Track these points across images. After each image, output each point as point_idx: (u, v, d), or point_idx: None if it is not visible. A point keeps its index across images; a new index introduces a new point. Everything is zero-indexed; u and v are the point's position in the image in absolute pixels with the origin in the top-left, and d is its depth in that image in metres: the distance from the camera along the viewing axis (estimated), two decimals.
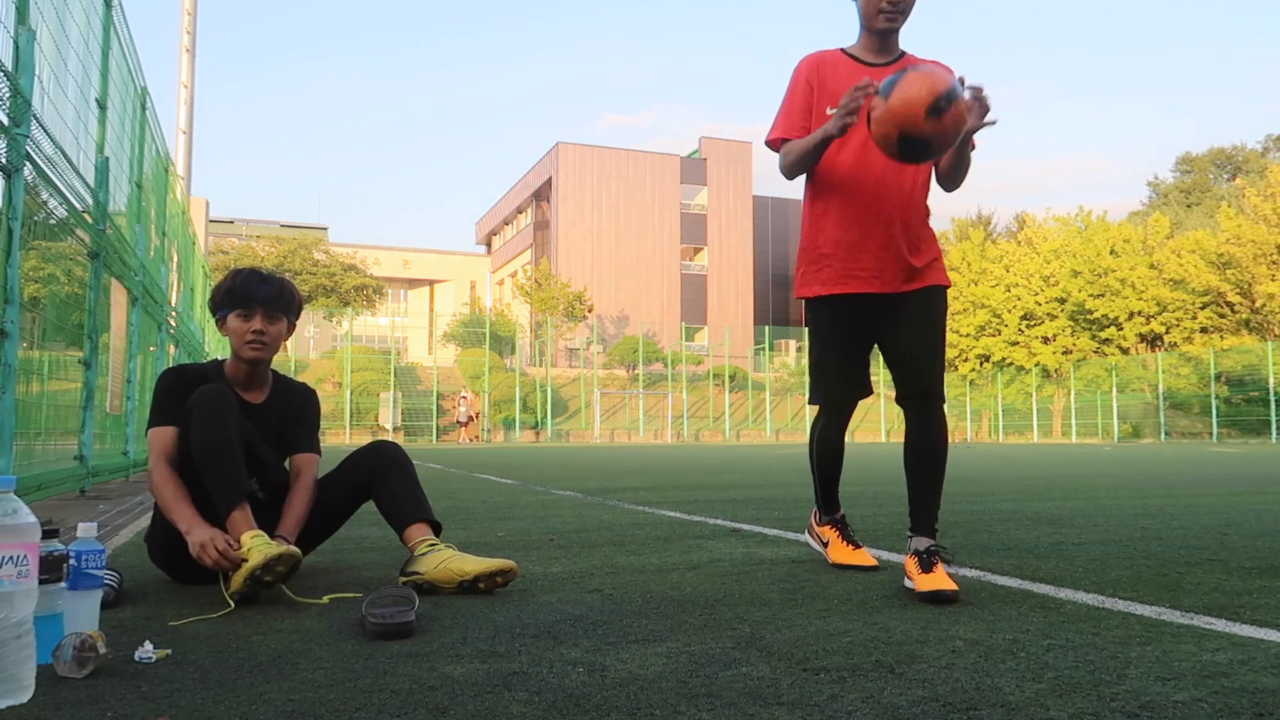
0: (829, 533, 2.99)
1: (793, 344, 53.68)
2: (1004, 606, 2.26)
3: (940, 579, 2.35)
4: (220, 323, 2.68)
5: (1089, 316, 40.19)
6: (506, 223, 63.39)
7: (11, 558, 1.46)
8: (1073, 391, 39.58)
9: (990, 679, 1.60)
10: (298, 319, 2.78)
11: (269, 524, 2.48)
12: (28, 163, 4.34)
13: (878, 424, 41.01)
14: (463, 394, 36.04)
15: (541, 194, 56.54)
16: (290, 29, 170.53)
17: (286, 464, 2.77)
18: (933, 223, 2.78)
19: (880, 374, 3.65)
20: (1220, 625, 2.04)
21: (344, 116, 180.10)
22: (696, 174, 55.02)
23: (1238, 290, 36.47)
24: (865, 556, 2.90)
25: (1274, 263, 35.48)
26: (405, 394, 37.01)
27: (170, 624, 2.06)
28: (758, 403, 43.98)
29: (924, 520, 2.57)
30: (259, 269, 2.73)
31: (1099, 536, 3.75)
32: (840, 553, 2.93)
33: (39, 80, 4.58)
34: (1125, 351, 39.65)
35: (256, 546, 2.26)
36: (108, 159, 6.59)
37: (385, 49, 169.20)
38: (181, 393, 2.55)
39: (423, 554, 2.50)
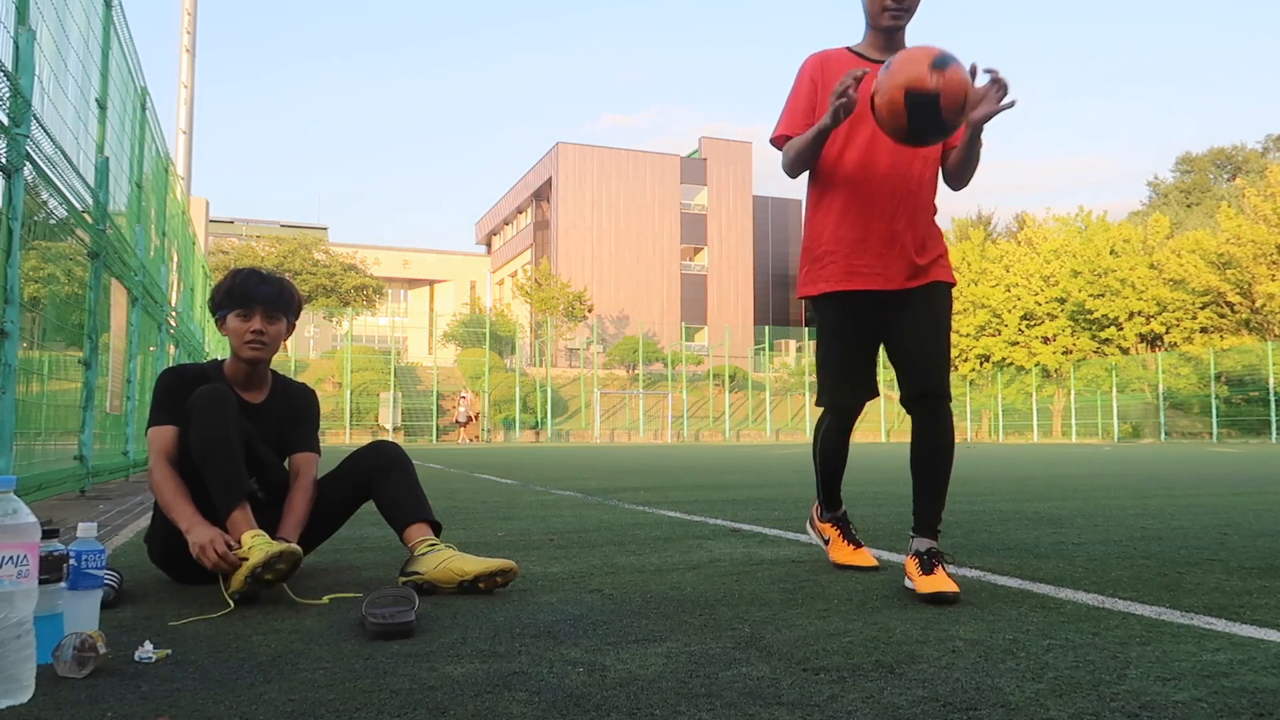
0: (830, 531, 2.98)
1: (793, 344, 53.68)
2: (1004, 606, 2.26)
3: (941, 581, 2.34)
4: (220, 323, 2.68)
5: (1089, 316, 40.19)
6: (506, 223, 63.40)
7: (11, 558, 1.46)
8: (1073, 391, 39.58)
9: (990, 679, 1.60)
10: (297, 319, 2.78)
11: (269, 524, 2.49)
12: (28, 163, 4.34)
13: (878, 424, 41.01)
14: (462, 394, 36.04)
15: (541, 194, 56.55)
16: (290, 29, 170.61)
17: (286, 464, 2.77)
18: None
19: (882, 374, 3.63)
20: (1220, 625, 2.04)
21: (344, 116, 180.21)
22: (696, 174, 55.02)
23: (1238, 290, 36.48)
24: (866, 557, 2.90)
25: (1274, 263, 35.49)
26: (405, 394, 37.02)
27: (170, 624, 2.06)
28: (758, 403, 43.98)
29: (926, 522, 2.56)
30: (258, 269, 2.73)
31: (1099, 536, 3.75)
32: (841, 552, 2.93)
33: (39, 80, 4.58)
34: (1125, 351, 39.66)
35: (257, 545, 2.27)
36: (108, 159, 6.59)
37: (385, 49, 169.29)
38: (181, 392, 2.56)
39: (423, 554, 2.50)
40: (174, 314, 11.55)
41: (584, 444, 30.76)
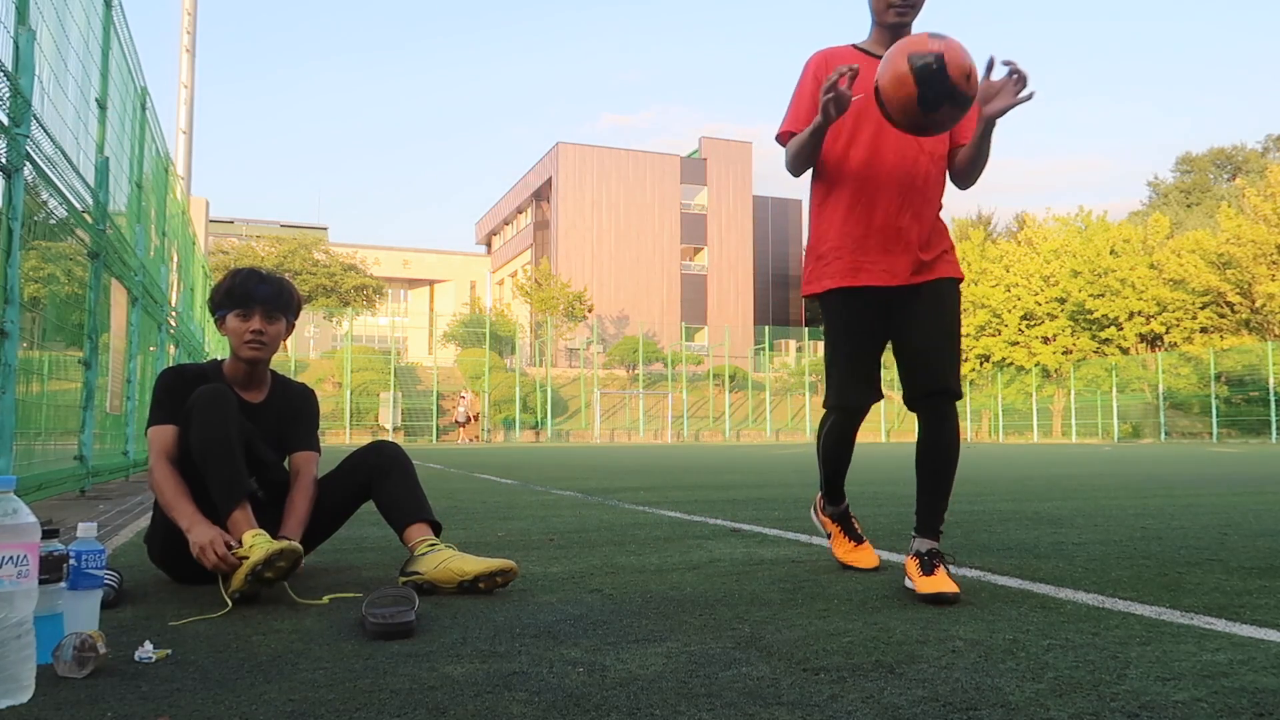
0: (831, 526, 2.97)
1: (792, 344, 53.67)
2: (1004, 606, 2.26)
3: (941, 581, 2.34)
4: (219, 322, 2.68)
5: (1089, 316, 40.20)
6: (506, 223, 63.40)
7: (11, 558, 1.46)
8: (1073, 391, 39.59)
9: (990, 679, 1.60)
10: (296, 319, 2.78)
11: (269, 524, 2.48)
12: (28, 163, 4.34)
13: (878, 424, 41.01)
14: (462, 394, 36.05)
15: (541, 194, 56.55)
16: (290, 29, 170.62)
17: (285, 464, 2.77)
18: None
19: (883, 374, 3.61)
20: (1220, 625, 2.04)
21: (344, 116, 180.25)
22: (696, 174, 55.02)
23: (1238, 290, 36.49)
24: (867, 555, 2.88)
25: (1274, 263, 35.49)
26: (405, 394, 37.02)
27: (170, 624, 2.06)
28: (758, 403, 43.98)
29: (928, 523, 2.54)
30: (258, 269, 2.73)
31: (1099, 536, 3.75)
32: (842, 547, 2.92)
33: (39, 80, 4.58)
34: (1125, 351, 39.67)
35: (258, 544, 2.27)
36: (108, 159, 6.59)
37: (385, 49, 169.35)
38: (181, 392, 2.56)
39: (423, 554, 2.50)
40: (174, 314, 11.55)
41: (584, 444, 30.76)
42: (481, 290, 62.18)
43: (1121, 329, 39.55)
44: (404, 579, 2.47)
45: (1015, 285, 42.33)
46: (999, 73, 2.32)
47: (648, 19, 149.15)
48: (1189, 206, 58.51)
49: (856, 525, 2.97)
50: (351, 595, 2.38)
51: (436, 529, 2.63)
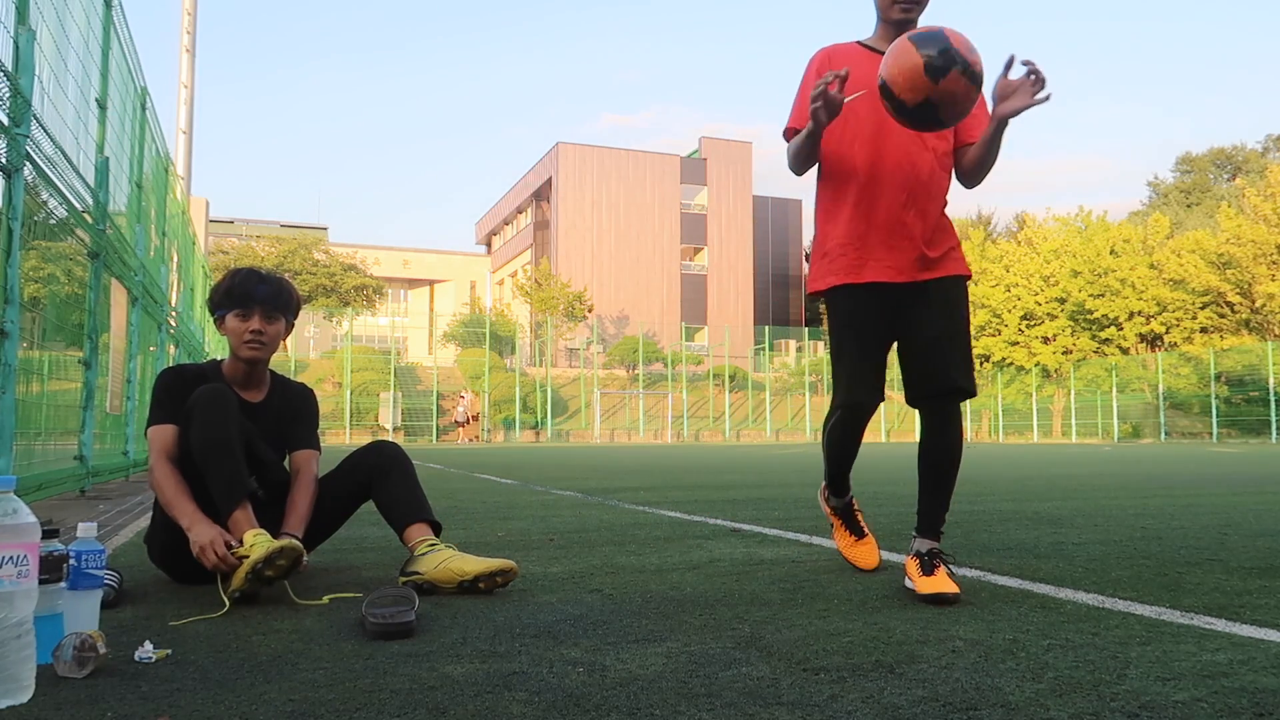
0: (834, 518, 2.94)
1: (792, 344, 53.69)
2: (1004, 606, 2.26)
3: (941, 582, 2.33)
4: (218, 322, 2.68)
5: (1089, 316, 40.21)
6: (506, 223, 63.41)
7: (11, 558, 1.46)
8: (1073, 391, 39.59)
9: (990, 679, 1.60)
10: (296, 318, 2.78)
11: (269, 523, 2.48)
12: (28, 163, 4.34)
13: (878, 424, 41.01)
14: (461, 394, 36.04)
15: (541, 194, 56.55)
16: (290, 29, 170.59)
17: (285, 464, 2.77)
18: None
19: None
20: (1220, 625, 2.04)
21: (344, 116, 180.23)
22: (696, 174, 55.03)
23: (1238, 290, 36.50)
24: (866, 553, 2.85)
25: (1274, 263, 35.50)
26: (405, 394, 37.02)
27: (170, 624, 2.06)
28: (758, 403, 43.98)
29: (929, 523, 2.54)
30: (257, 269, 2.73)
31: (1099, 536, 3.75)
32: (844, 541, 2.90)
33: (39, 80, 4.58)
34: (1125, 351, 39.68)
35: (259, 543, 2.27)
36: (108, 159, 6.59)
37: (385, 49, 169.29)
38: (180, 392, 2.56)
39: (423, 554, 2.50)
40: (174, 314, 11.56)
41: (584, 444, 30.76)
42: (481, 290, 62.18)
43: (1121, 329, 39.57)
44: (404, 579, 2.47)
45: (1015, 285, 42.34)
46: (1017, 71, 2.30)
47: (648, 19, 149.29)
48: (1189, 206, 58.52)
49: (861, 520, 2.93)
50: (351, 595, 2.38)
51: (436, 529, 2.63)
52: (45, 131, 4.62)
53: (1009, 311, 42.14)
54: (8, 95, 4.00)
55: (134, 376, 8.09)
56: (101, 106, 6.59)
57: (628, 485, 7.36)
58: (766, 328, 49.82)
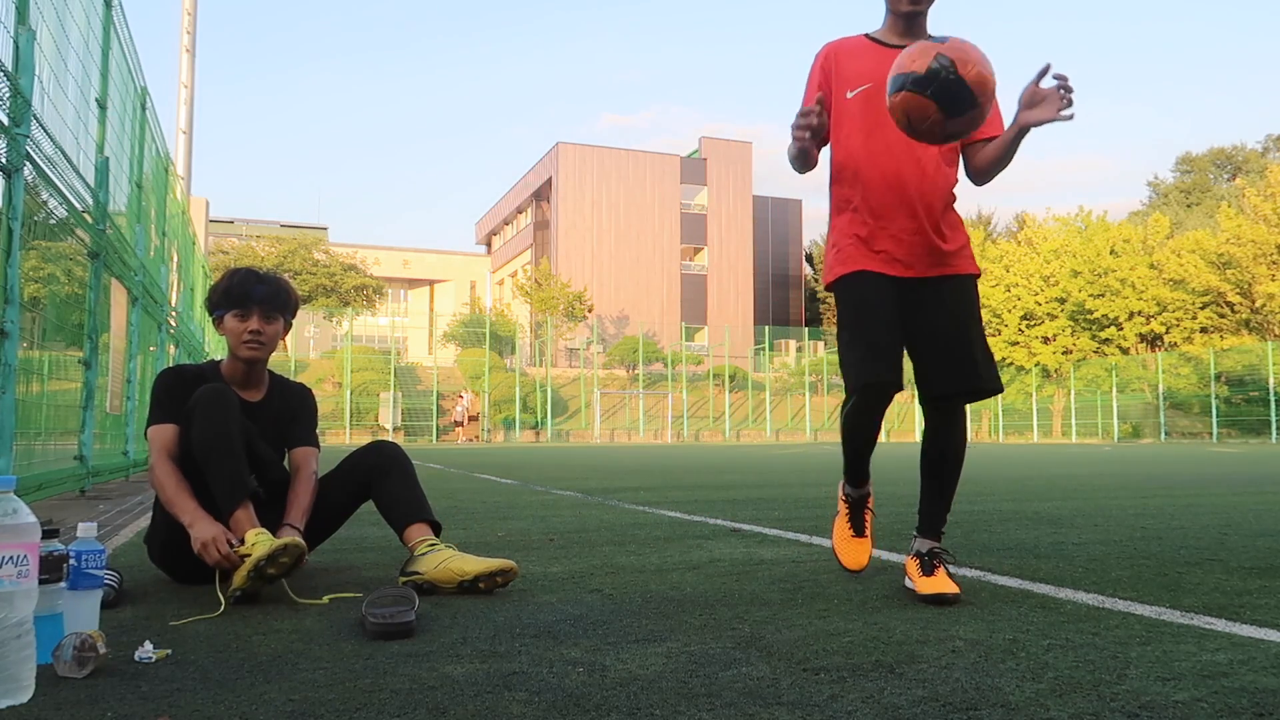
0: (842, 505, 2.82)
1: (792, 344, 53.68)
2: (1004, 606, 2.26)
3: (941, 582, 2.33)
4: (217, 323, 2.69)
5: (1089, 316, 40.20)
6: (506, 223, 63.41)
7: (11, 558, 1.46)
8: (1073, 391, 39.59)
9: (990, 679, 1.60)
10: (294, 318, 2.78)
11: (269, 523, 2.48)
12: (28, 163, 4.34)
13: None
14: (460, 394, 36.04)
15: (541, 194, 56.55)
16: (290, 29, 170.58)
17: (284, 463, 2.77)
18: None
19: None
20: (1220, 625, 2.04)
21: (344, 116, 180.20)
22: (696, 174, 55.02)
23: (1238, 290, 36.49)
24: (856, 553, 2.74)
25: (1274, 263, 35.49)
26: (405, 394, 37.02)
27: (170, 624, 2.06)
28: (758, 403, 43.98)
29: (930, 523, 2.52)
30: (255, 269, 2.74)
31: (1099, 536, 3.75)
32: (839, 532, 2.79)
33: (39, 80, 4.58)
34: (1125, 351, 39.67)
35: (261, 541, 2.27)
36: (108, 159, 6.59)
37: (385, 49, 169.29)
38: (180, 392, 2.56)
39: (423, 554, 2.50)
40: (174, 314, 11.56)
41: (584, 444, 30.76)
42: (481, 290, 62.18)
43: (1121, 329, 39.55)
44: (404, 579, 2.47)
45: (1015, 285, 42.33)
46: (1048, 83, 2.27)
47: (648, 19, 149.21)
48: (1189, 206, 58.51)
49: (868, 521, 2.80)
50: (351, 595, 2.38)
51: (436, 529, 2.63)
52: (45, 131, 4.62)
53: (1009, 311, 42.13)
54: (8, 95, 4.00)
55: (134, 376, 8.09)
56: (101, 106, 6.60)
57: (628, 485, 7.36)
58: (766, 328, 49.82)
